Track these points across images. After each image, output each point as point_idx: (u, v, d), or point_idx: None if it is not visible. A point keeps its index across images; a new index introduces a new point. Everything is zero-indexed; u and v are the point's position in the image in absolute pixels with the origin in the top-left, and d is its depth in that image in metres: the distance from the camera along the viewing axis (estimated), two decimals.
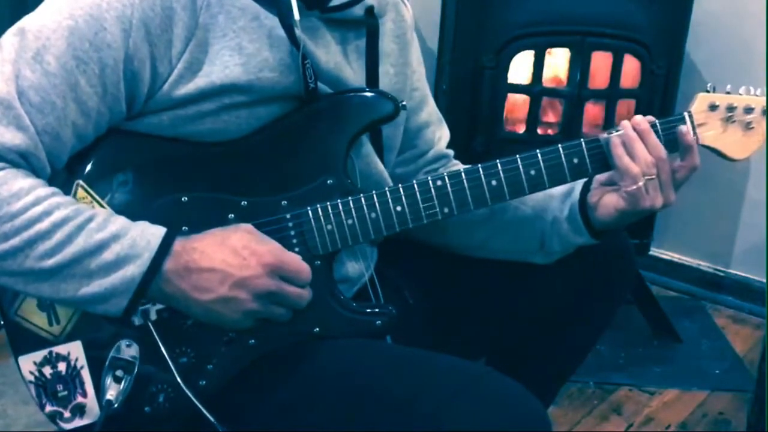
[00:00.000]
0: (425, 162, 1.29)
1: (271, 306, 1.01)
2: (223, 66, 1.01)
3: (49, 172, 0.97)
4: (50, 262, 0.93)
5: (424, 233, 1.26)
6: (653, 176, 1.08)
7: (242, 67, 1.02)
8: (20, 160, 0.94)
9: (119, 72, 0.97)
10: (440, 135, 1.32)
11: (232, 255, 0.98)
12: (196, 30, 1.00)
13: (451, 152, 1.33)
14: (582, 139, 1.11)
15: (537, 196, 1.19)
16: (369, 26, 1.14)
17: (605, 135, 1.10)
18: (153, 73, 0.99)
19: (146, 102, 1.00)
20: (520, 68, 2.05)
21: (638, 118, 1.10)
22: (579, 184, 1.17)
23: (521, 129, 2.09)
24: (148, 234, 0.96)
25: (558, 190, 1.19)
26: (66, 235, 0.93)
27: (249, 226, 1.02)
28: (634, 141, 1.08)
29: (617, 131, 1.10)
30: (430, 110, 1.31)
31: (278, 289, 1.00)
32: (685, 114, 1.13)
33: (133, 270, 0.95)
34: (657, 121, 1.12)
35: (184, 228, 1.01)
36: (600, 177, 1.14)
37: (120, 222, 0.96)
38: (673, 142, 1.11)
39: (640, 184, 1.07)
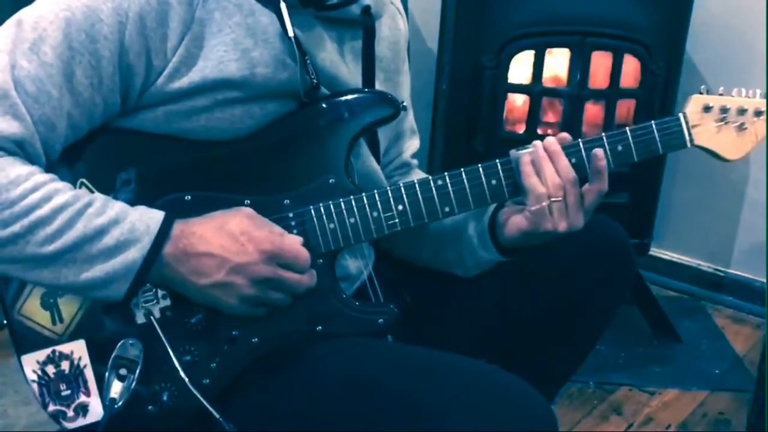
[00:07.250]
0: (391, 169, 1.30)
1: (269, 291, 1.02)
2: (218, 61, 1.01)
3: (45, 161, 0.98)
4: (51, 248, 0.93)
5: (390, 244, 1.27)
6: (559, 198, 1.06)
7: (236, 62, 1.02)
8: (16, 148, 0.95)
9: (115, 64, 0.98)
10: (409, 144, 1.34)
11: (230, 240, 0.99)
12: (191, 24, 1.01)
13: (415, 162, 1.34)
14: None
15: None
16: (365, 26, 1.15)
17: (515, 152, 1.09)
18: (148, 66, 0.99)
19: (141, 95, 1.01)
20: (520, 68, 2.05)
21: (550, 139, 1.08)
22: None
23: (521, 129, 2.09)
24: (147, 218, 0.97)
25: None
26: (66, 221, 0.93)
27: (249, 211, 1.02)
28: (544, 161, 1.07)
29: (527, 149, 1.08)
30: (410, 120, 1.33)
31: (275, 275, 1.00)
32: (680, 115, 1.14)
33: (134, 254, 0.95)
34: (653, 122, 1.13)
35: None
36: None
37: (118, 206, 0.97)
38: (666, 145, 1.13)
39: (544, 204, 1.06)
